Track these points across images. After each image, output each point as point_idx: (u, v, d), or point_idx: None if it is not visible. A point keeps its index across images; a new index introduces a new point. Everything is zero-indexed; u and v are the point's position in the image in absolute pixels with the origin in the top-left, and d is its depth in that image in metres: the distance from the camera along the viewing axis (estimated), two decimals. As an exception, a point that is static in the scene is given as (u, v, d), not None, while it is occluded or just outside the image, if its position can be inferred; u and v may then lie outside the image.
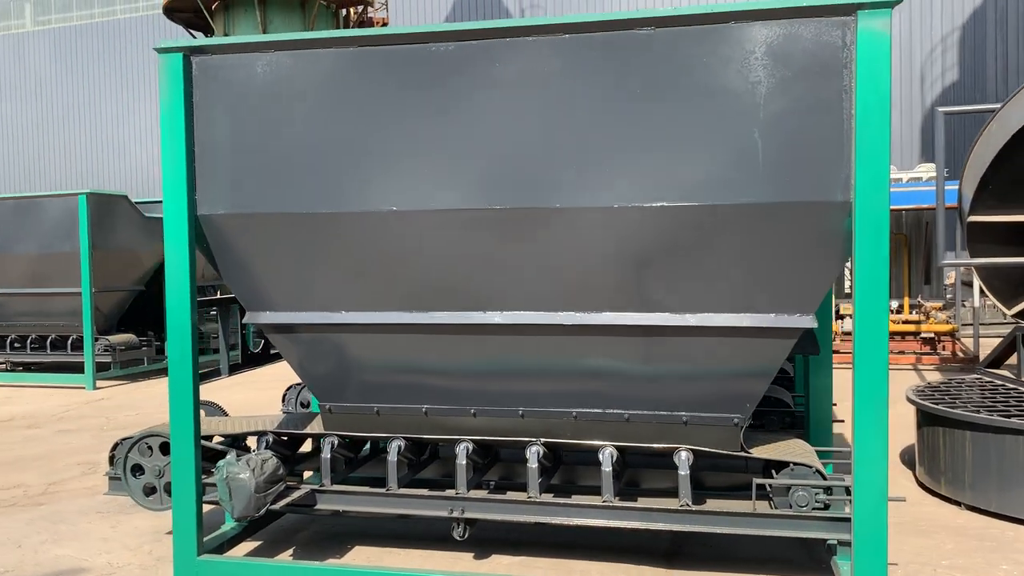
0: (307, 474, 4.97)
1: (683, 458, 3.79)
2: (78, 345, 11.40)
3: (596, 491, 4.04)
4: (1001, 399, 5.32)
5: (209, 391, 9.68)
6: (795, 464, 3.76)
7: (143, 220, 11.52)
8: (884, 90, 3.10)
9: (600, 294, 3.59)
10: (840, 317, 11.68)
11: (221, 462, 3.82)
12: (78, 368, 11.39)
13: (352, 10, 16.00)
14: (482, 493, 4.08)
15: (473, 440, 4.06)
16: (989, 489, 4.72)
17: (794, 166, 3.25)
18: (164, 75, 3.70)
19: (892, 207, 8.77)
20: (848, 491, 3.70)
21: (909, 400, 5.50)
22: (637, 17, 3.33)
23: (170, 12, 15.68)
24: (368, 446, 4.84)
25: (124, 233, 11.25)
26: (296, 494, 4.03)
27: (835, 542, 3.75)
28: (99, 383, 11.00)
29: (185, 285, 3.75)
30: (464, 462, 3.99)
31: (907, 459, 6.18)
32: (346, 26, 16.01)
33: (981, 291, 11.44)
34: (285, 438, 4.44)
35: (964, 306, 13.81)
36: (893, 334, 11.48)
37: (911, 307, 11.89)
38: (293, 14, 14.66)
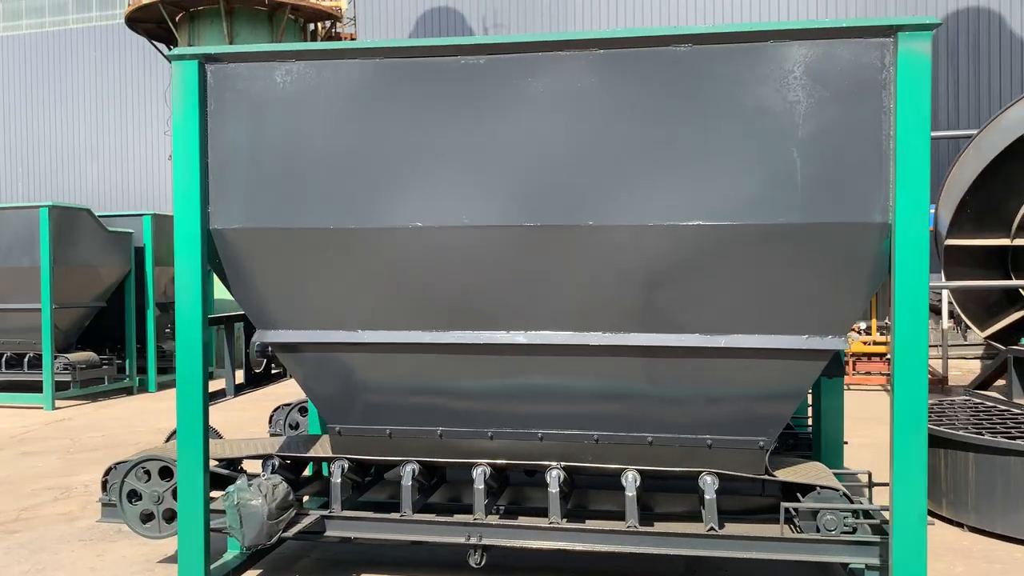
0: (304, 499, 4.79)
1: (708, 482, 3.72)
2: (35, 363, 10.98)
3: (608, 515, 3.96)
4: (998, 420, 5.37)
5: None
6: (822, 487, 3.72)
7: (106, 234, 11.18)
8: (925, 111, 3.10)
9: (630, 314, 3.52)
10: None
11: (231, 487, 3.64)
12: (35, 387, 10.96)
13: (320, 25, 15.84)
14: (502, 519, 3.95)
15: (490, 464, 3.94)
16: (994, 511, 4.75)
17: (832, 187, 3.23)
18: (178, 83, 3.56)
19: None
20: (868, 514, 3.68)
21: (906, 421, 5.52)
22: (674, 34, 3.28)
23: (132, 23, 15.32)
24: (372, 470, 4.68)
25: (86, 248, 10.89)
26: (306, 521, 3.86)
27: (863, 567, 3.70)
28: (58, 403, 10.59)
29: (197, 302, 3.59)
30: (482, 486, 3.87)
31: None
32: (313, 40, 15.82)
33: (949, 314, 11.66)
34: (289, 462, 4.26)
35: (932, 329, 14.07)
36: (861, 355, 11.64)
37: (879, 329, 12.06)
38: (260, 27, 14.46)
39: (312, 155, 3.55)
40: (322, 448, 4.34)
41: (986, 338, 8.91)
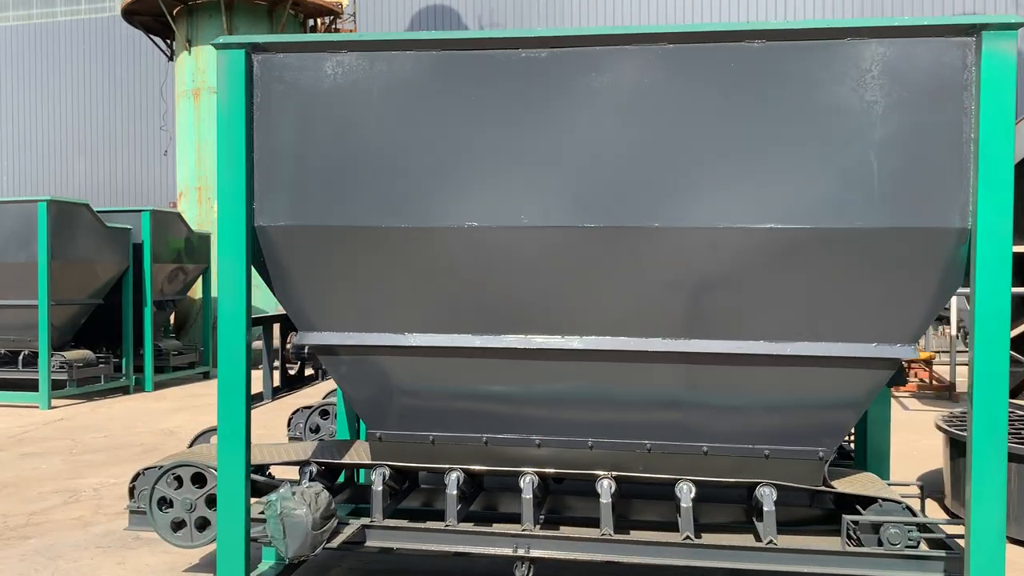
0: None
1: (767, 493, 3.60)
2: (29, 361, 10.76)
3: (641, 526, 3.83)
4: (1035, 429, 5.29)
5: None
6: (883, 500, 3.61)
7: (104, 230, 10.96)
8: (1009, 113, 3.00)
9: (692, 320, 3.40)
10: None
11: (273, 496, 3.49)
12: (28, 386, 10.75)
13: (320, 21, 15.65)
14: (550, 530, 3.82)
15: (537, 472, 3.80)
16: (1038, 522, 4.66)
17: (910, 190, 3.12)
18: (223, 73, 3.40)
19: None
20: (927, 528, 3.58)
21: (941, 429, 5.45)
22: (747, 29, 3.16)
23: (129, 15, 15.05)
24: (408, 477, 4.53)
25: (84, 243, 10.67)
26: (348, 531, 3.71)
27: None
28: (54, 402, 10.36)
29: (241, 302, 3.43)
30: (530, 496, 3.74)
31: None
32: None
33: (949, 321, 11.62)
34: (323, 469, 4.11)
35: (935, 335, 14.08)
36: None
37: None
38: (260, 22, 14.23)
39: (363, 150, 3.40)
40: (357, 454, 4.19)
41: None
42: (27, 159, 28.00)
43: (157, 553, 4.63)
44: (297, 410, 5.75)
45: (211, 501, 3.87)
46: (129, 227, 11.43)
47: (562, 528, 3.90)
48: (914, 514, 3.58)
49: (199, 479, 3.88)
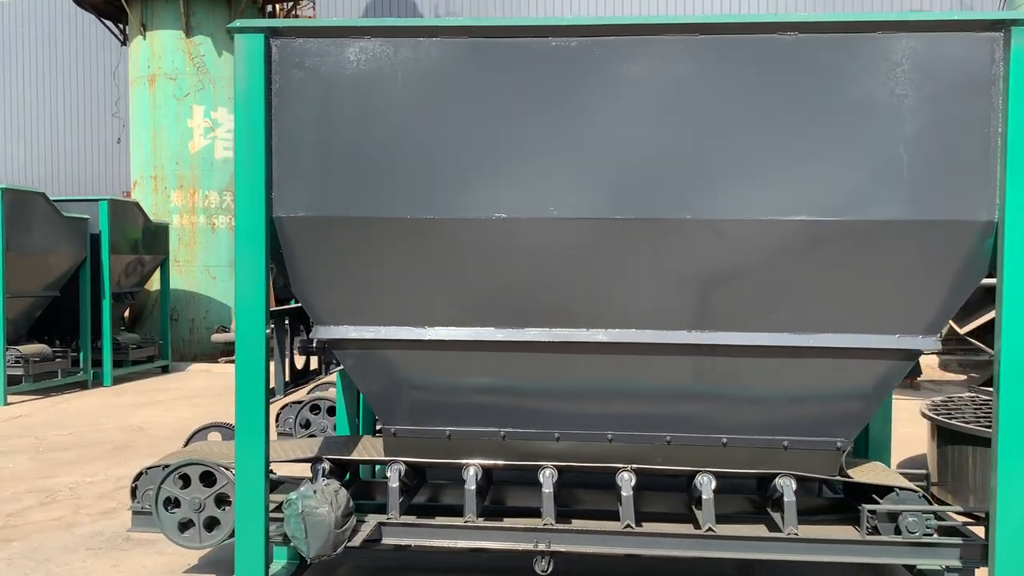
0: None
1: (787, 484, 3.62)
2: (-17, 356, 10.35)
3: (651, 518, 3.82)
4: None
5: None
6: (900, 489, 3.66)
7: (61, 220, 10.59)
8: (1036, 108, 3.04)
9: (720, 312, 3.40)
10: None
11: (294, 494, 3.39)
12: (-17, 382, 10.34)
13: (279, 7, 15.32)
14: (568, 524, 3.79)
15: (556, 466, 3.77)
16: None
17: (938, 183, 3.15)
18: (241, 58, 3.28)
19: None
20: (939, 516, 3.64)
21: (926, 417, 5.55)
22: (779, 21, 3.16)
23: (80, -1, 14.58)
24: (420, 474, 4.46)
25: (40, 233, 10.30)
26: (366, 529, 3.63)
27: (941, 568, 3.65)
28: (9, 398, 9.99)
29: (260, 295, 3.33)
30: (550, 490, 3.70)
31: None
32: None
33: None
34: (335, 465, 4.02)
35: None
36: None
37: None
38: (218, 7, 13.84)
39: (387, 139, 3.32)
40: (364, 449, 4.11)
41: (964, 335, 9.09)
42: (-37, 146, 26.95)
43: (151, 555, 4.49)
44: (286, 405, 5.63)
45: (220, 500, 3.76)
46: (87, 217, 11.06)
47: (575, 522, 3.87)
48: (930, 502, 3.64)
49: (207, 478, 3.77)
